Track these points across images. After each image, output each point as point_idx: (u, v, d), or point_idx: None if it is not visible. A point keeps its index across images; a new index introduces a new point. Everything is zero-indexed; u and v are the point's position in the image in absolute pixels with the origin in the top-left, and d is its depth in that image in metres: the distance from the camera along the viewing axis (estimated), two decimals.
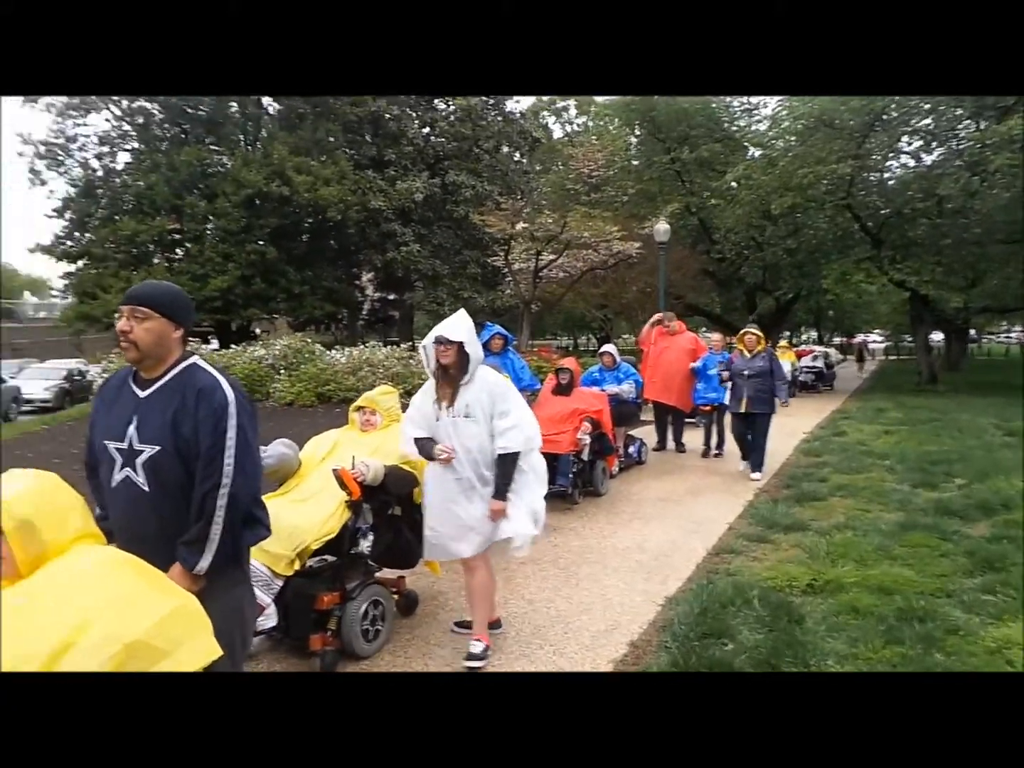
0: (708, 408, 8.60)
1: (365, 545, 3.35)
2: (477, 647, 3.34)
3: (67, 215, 24.42)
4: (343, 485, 3.24)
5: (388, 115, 25.51)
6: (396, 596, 3.82)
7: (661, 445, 9.11)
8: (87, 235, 24.15)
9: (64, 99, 23.51)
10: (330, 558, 3.33)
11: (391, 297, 29.99)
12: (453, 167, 26.53)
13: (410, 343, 19.74)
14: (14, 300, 62.06)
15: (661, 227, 15.28)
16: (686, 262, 20.69)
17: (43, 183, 24.76)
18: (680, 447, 9.01)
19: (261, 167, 22.81)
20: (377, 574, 3.68)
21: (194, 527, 2.02)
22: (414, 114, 26.96)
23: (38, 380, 19.40)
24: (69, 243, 24.31)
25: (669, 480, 7.46)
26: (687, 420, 9.22)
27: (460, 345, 3.26)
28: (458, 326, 3.30)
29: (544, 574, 4.60)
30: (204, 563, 2.00)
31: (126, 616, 1.61)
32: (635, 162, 24.02)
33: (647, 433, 9.32)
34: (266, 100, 25.77)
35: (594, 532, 5.58)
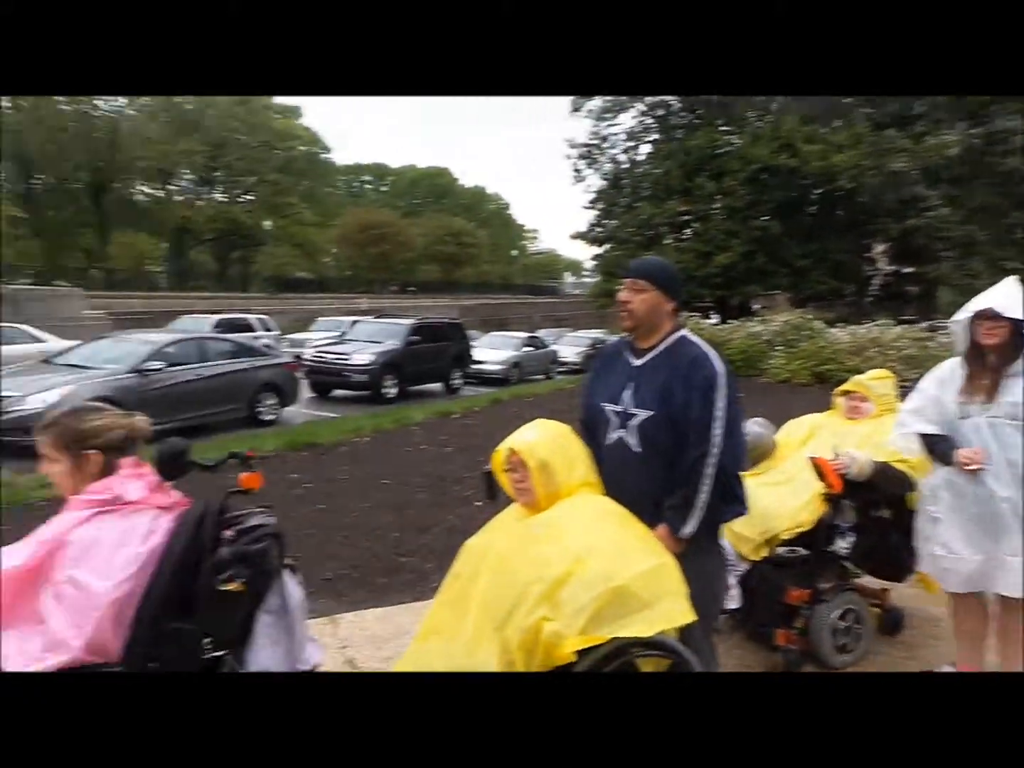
0: None
1: (842, 545, 3.03)
2: None
3: (598, 205, 28.15)
4: (822, 476, 2.98)
5: None
6: (877, 609, 3.38)
7: None
8: (613, 221, 27.43)
9: (599, 103, 26.98)
10: (801, 551, 3.11)
11: (907, 270, 26.48)
12: (1002, 111, 21.78)
13: (929, 322, 17.19)
14: (557, 279, 74.90)
15: None
16: None
17: (582, 179, 28.97)
18: None
19: (769, 141, 22.49)
20: (856, 580, 3.31)
21: (681, 492, 2.11)
22: None
23: (571, 346, 23.01)
24: (598, 229, 28.01)
25: None
26: None
27: (1015, 324, 2.53)
28: (1016, 298, 2.56)
29: None
30: (688, 528, 2.09)
31: (617, 561, 1.79)
32: None
33: None
34: None
35: None
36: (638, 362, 2.27)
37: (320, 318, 23.42)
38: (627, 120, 27.78)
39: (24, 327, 14.41)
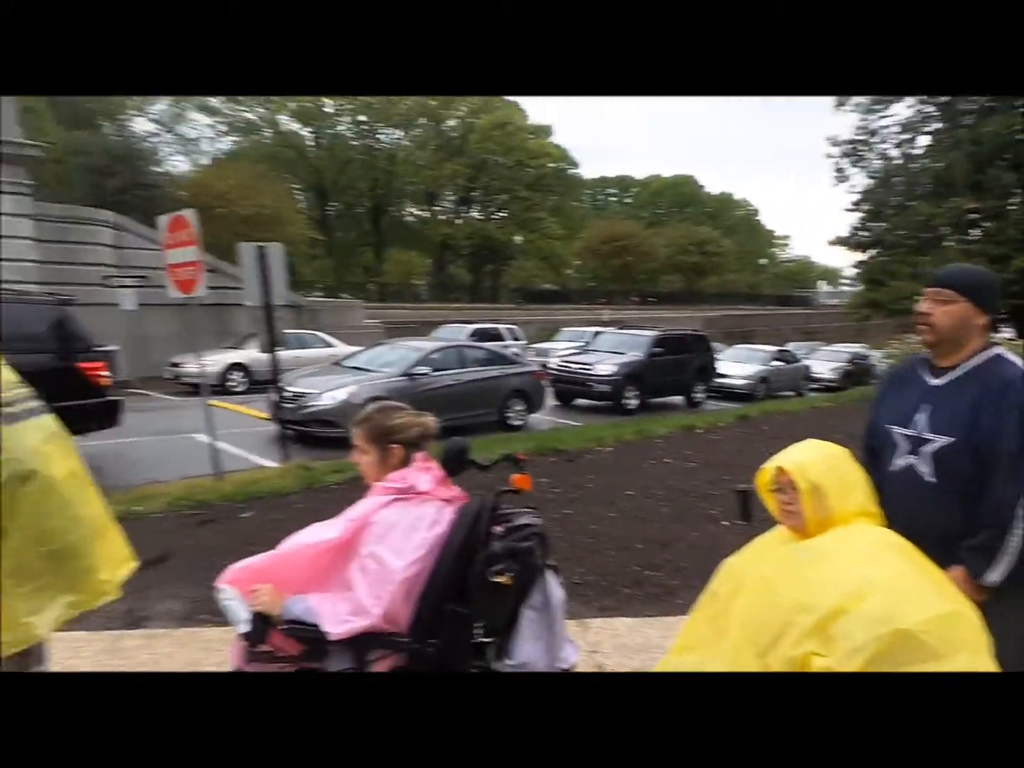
0: None
1: None
2: None
3: (864, 207, 25.63)
4: None
5: None
6: None
7: None
8: (881, 224, 24.82)
9: (868, 96, 24.59)
10: None
11: None
12: None
13: None
14: (809, 289, 69.69)
15: None
16: None
17: (844, 179, 26.61)
18: None
19: None
20: None
21: (984, 532, 1.88)
22: None
23: (825, 361, 21.37)
24: (863, 233, 25.46)
25: None
26: None
27: None
28: None
29: None
30: (993, 575, 1.85)
31: (901, 602, 1.62)
32: None
33: None
34: None
35: None
36: (936, 382, 2.04)
37: (564, 328, 24.22)
38: (902, 110, 24.98)
39: (320, 334, 16.84)
